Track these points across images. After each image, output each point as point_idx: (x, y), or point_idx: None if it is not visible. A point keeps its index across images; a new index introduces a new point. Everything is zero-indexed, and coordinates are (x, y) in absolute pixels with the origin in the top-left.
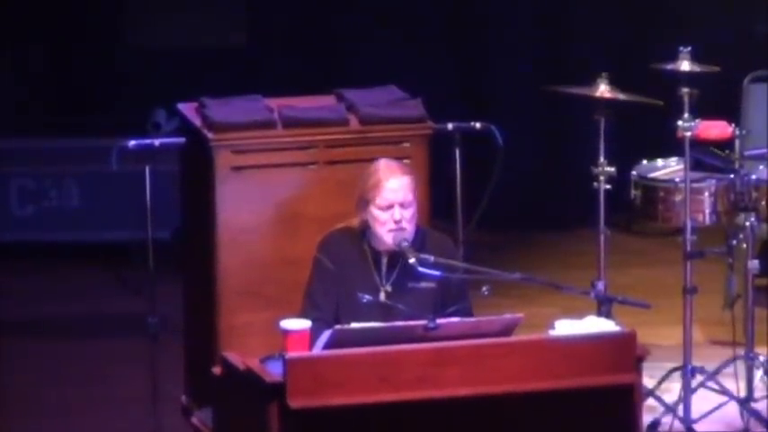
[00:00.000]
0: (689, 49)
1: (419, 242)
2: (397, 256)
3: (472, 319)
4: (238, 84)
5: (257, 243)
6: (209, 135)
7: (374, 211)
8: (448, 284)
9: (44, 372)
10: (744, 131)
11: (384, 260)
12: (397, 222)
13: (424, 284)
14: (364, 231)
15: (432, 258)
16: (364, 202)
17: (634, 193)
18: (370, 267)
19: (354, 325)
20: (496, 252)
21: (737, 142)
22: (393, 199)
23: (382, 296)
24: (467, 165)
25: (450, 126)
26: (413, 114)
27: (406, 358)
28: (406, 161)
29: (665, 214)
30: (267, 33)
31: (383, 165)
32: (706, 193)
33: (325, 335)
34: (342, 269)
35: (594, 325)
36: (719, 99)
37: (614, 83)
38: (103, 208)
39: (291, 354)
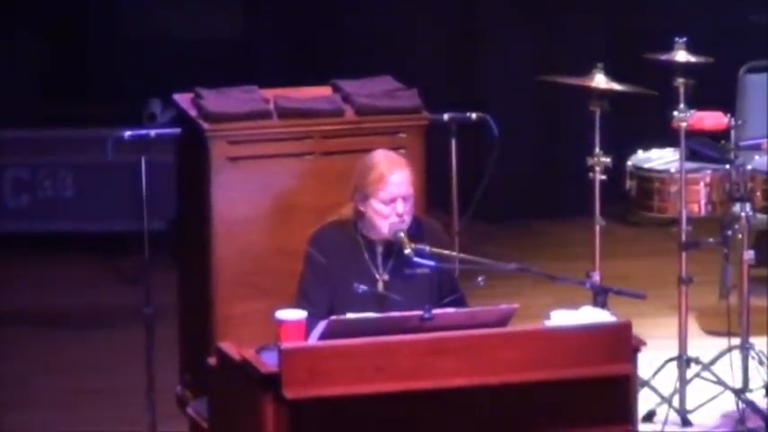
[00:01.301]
0: (684, 39)
1: (415, 230)
2: (392, 245)
3: (467, 310)
4: (234, 74)
5: (253, 233)
6: (205, 126)
7: (376, 204)
8: (442, 273)
9: (39, 362)
10: (739, 122)
11: (379, 249)
12: (399, 215)
13: (420, 271)
14: (356, 222)
15: (427, 248)
16: (363, 195)
17: (629, 183)
18: (366, 258)
19: (350, 315)
20: (492, 242)
21: (733, 133)
22: (397, 193)
23: (380, 286)
24: (462, 155)
25: (446, 116)
26: (409, 105)
27: (402, 348)
28: (401, 151)
29: (660, 205)
30: (263, 24)
31: (383, 158)
32: (701, 184)
33: (321, 325)
34: (335, 262)
35: (590, 315)
36: (715, 89)
37: (610, 73)
38: (99, 198)
39: (287, 344)
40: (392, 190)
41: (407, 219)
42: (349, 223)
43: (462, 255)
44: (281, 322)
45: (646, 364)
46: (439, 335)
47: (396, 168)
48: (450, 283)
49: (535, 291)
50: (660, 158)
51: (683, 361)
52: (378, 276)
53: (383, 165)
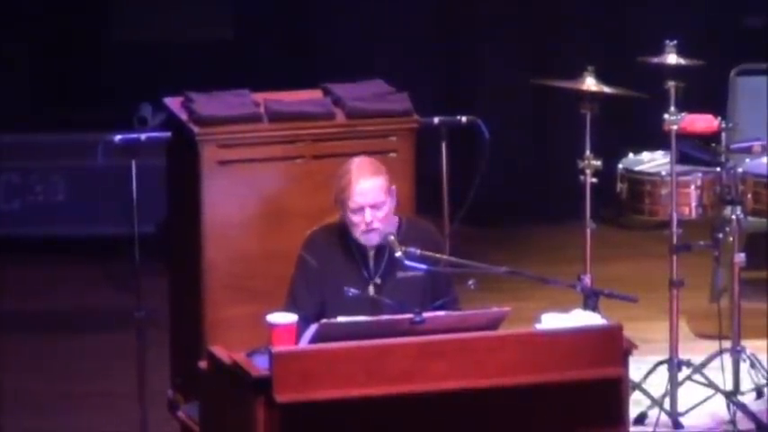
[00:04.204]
0: (675, 42)
1: (402, 233)
2: (382, 249)
3: (459, 313)
4: (225, 78)
5: (243, 237)
6: (196, 129)
7: (347, 212)
8: (435, 275)
9: (30, 366)
10: (730, 124)
11: (371, 253)
12: (367, 224)
13: (412, 273)
14: (347, 227)
15: (418, 252)
16: (339, 202)
17: (620, 186)
18: (358, 262)
19: (341, 319)
20: (483, 246)
21: (723, 135)
22: (363, 202)
23: (371, 290)
24: (453, 159)
25: (436, 120)
26: (399, 108)
27: (393, 352)
28: (392, 155)
29: (651, 207)
30: (253, 27)
31: (354, 166)
32: (692, 187)
33: (312, 329)
34: (328, 267)
35: (581, 318)
36: (706, 92)
37: (600, 76)
38: (89, 203)
39: (278, 348)
40: (358, 199)
41: (379, 227)
42: (340, 228)
43: (453, 258)
44: (272, 326)
45: (637, 366)
46: (430, 338)
47: (363, 177)
48: (444, 284)
49: (526, 294)
50: (651, 161)
51: (675, 364)
52: (369, 280)
53: (352, 173)
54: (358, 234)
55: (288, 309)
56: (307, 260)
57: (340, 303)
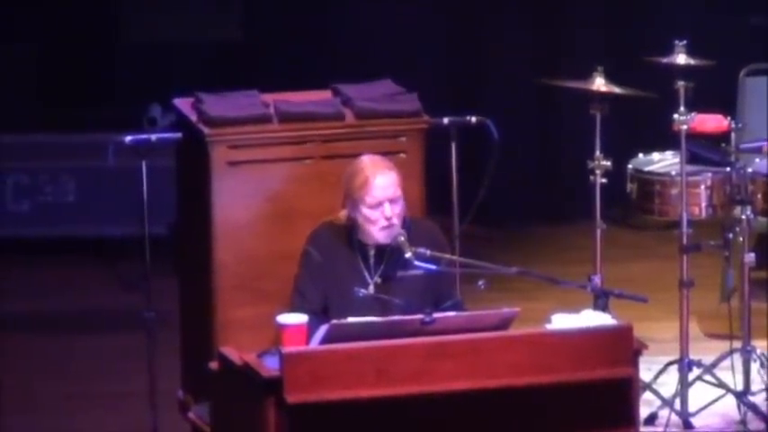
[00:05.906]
0: (684, 42)
1: (408, 233)
2: (384, 249)
3: (469, 313)
4: (234, 79)
5: (253, 238)
6: (206, 130)
7: (364, 210)
8: (439, 277)
9: (40, 367)
10: (739, 124)
11: (372, 253)
12: (388, 219)
13: (412, 273)
14: (351, 226)
15: (428, 253)
16: (352, 201)
17: (630, 186)
18: (359, 261)
19: (351, 319)
20: (493, 246)
21: (733, 135)
22: (382, 196)
23: (371, 289)
24: (463, 159)
25: (445, 120)
26: (409, 109)
27: (403, 352)
28: (401, 155)
29: (661, 208)
30: (262, 28)
31: (368, 162)
32: (702, 187)
33: (322, 329)
34: (331, 262)
35: (591, 319)
36: (715, 92)
37: (610, 76)
38: (99, 203)
39: (288, 348)
40: (377, 194)
41: (397, 221)
42: (345, 226)
43: (463, 259)
44: (282, 327)
45: (647, 367)
46: (440, 338)
47: (380, 172)
48: (448, 287)
49: (536, 294)
50: (661, 161)
51: (685, 364)
52: (370, 280)
53: (368, 169)
54: (375, 230)
55: (295, 303)
56: (311, 254)
57: (343, 301)
